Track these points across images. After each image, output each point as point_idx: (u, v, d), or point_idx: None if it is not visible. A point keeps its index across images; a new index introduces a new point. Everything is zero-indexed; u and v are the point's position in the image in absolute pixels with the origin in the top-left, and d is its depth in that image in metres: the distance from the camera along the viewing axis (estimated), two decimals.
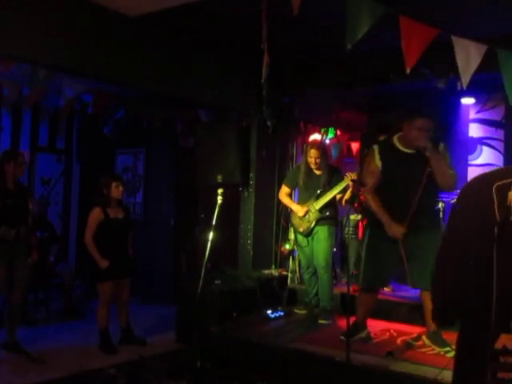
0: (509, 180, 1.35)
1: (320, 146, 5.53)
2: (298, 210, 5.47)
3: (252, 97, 6.01)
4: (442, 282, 1.49)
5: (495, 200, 1.33)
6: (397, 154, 4.21)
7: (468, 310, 1.39)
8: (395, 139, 4.26)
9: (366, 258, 4.38)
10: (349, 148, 8.13)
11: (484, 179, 1.48)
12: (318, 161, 5.36)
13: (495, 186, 1.35)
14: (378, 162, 4.22)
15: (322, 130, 7.45)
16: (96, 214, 5.13)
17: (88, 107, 7.16)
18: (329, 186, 5.38)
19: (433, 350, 4.23)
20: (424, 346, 4.34)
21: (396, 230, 4.10)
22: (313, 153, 5.36)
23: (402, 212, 4.09)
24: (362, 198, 5.97)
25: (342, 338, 4.36)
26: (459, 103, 6.73)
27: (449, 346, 4.04)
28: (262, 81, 3.91)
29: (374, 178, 4.26)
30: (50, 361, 4.75)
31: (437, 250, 1.57)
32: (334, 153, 7.88)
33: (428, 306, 4.25)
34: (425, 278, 3.97)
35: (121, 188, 5.25)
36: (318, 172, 5.47)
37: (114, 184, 5.18)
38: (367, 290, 4.49)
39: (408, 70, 3.74)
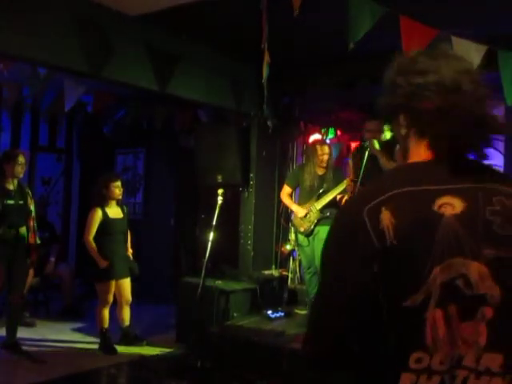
0: (379, 199, 1.11)
1: (325, 142, 5.65)
2: (298, 211, 5.47)
3: (252, 97, 6.01)
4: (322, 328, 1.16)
5: (368, 225, 1.09)
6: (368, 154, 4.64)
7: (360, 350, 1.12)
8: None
9: None
10: (349, 148, 8.12)
11: (354, 202, 1.25)
12: (326, 157, 5.39)
13: (366, 208, 1.10)
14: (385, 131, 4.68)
15: (323, 130, 7.44)
16: (95, 214, 5.13)
17: (88, 106, 7.16)
18: (331, 186, 5.39)
19: None
20: None
21: None
22: (322, 149, 5.40)
23: None
24: None
25: None
26: None
27: None
28: (263, 81, 3.91)
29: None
30: (50, 361, 4.76)
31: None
32: (334, 153, 7.86)
33: None
34: None
35: (120, 188, 5.26)
36: (320, 172, 5.47)
37: (113, 184, 5.18)
38: None
39: None
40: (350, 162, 5.37)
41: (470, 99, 1.14)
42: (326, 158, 5.40)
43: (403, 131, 1.22)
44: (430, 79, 1.15)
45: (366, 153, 4.60)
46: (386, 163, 4.48)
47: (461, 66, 1.18)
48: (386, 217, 1.08)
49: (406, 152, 1.23)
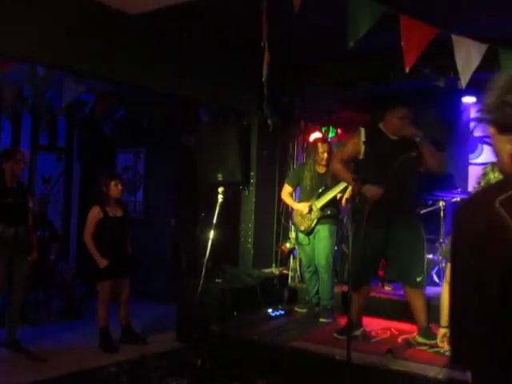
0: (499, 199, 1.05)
1: (327, 140, 5.64)
2: (301, 208, 5.47)
3: (252, 96, 6.01)
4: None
5: (506, 215, 1.00)
6: (382, 139, 4.35)
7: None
8: (381, 125, 4.37)
9: (353, 255, 4.36)
10: None
11: (480, 196, 1.20)
12: (326, 155, 5.39)
13: (499, 200, 1.03)
14: (361, 145, 4.35)
15: (323, 129, 7.44)
16: (95, 213, 5.13)
17: (88, 106, 7.16)
18: (331, 184, 5.39)
19: (433, 347, 4.22)
20: (421, 344, 4.34)
21: (374, 190, 4.23)
22: (322, 147, 5.41)
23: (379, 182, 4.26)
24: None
25: (335, 335, 4.54)
26: (460, 102, 6.72)
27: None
28: (263, 80, 3.91)
29: (349, 155, 4.47)
30: (51, 359, 4.76)
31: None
32: (334, 151, 7.86)
33: (414, 303, 4.39)
34: (408, 274, 4.26)
35: (120, 186, 5.26)
36: (321, 171, 5.48)
37: (112, 182, 5.19)
38: (354, 288, 4.46)
39: (407, 69, 3.75)
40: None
41: None
42: (326, 156, 5.41)
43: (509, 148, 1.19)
44: None
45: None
46: (429, 146, 4.17)
47: None
48: (503, 213, 0.99)
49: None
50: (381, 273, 5.99)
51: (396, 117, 4.23)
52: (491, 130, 1.21)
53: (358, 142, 4.34)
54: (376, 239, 4.27)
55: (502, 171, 1.20)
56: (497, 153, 1.21)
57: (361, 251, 4.20)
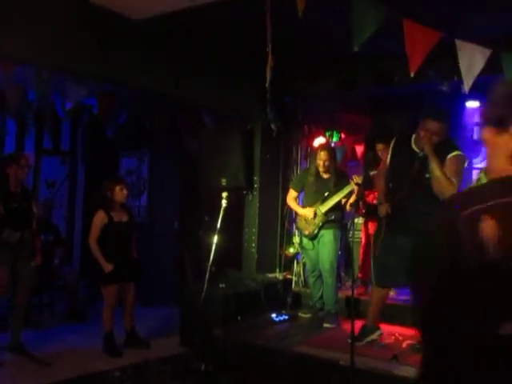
0: (479, 205, 0.97)
1: (329, 148, 5.61)
2: (306, 213, 5.45)
3: (256, 100, 6.01)
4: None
5: (463, 236, 0.95)
6: (408, 152, 4.21)
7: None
8: (413, 137, 4.24)
9: (382, 256, 4.35)
10: (353, 151, 8.11)
11: (451, 206, 1.11)
12: (326, 163, 5.37)
13: (462, 215, 0.97)
14: (388, 156, 4.28)
15: (327, 133, 7.44)
16: (100, 217, 5.14)
17: (92, 110, 7.18)
18: (335, 189, 5.38)
19: None
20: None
21: (383, 211, 4.23)
22: (322, 155, 5.38)
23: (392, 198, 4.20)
24: (367, 200, 5.97)
25: (354, 341, 4.39)
26: (464, 106, 6.71)
27: None
28: (266, 84, 3.91)
29: (383, 170, 4.37)
30: (55, 363, 4.76)
31: None
32: (338, 156, 7.85)
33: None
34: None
35: (125, 191, 5.26)
36: (325, 176, 5.47)
37: (117, 187, 5.19)
38: (381, 286, 4.47)
39: (412, 74, 3.75)
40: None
41: None
42: (323, 163, 5.38)
43: None
44: None
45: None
46: (436, 167, 3.89)
47: None
48: (489, 226, 0.93)
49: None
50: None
51: (422, 128, 4.01)
52: (489, 132, 1.18)
53: (387, 153, 4.31)
54: (393, 248, 4.22)
55: (493, 176, 1.15)
56: (494, 155, 1.17)
57: (392, 253, 4.19)
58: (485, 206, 0.96)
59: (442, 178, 3.88)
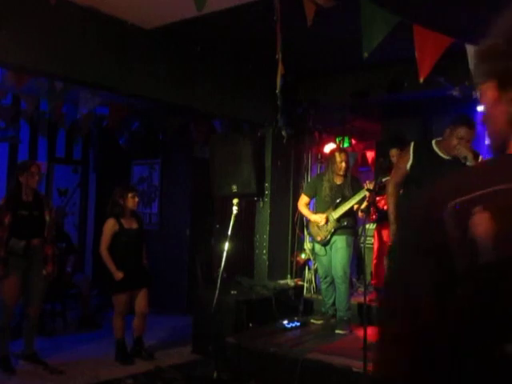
0: (469, 195, 0.77)
1: (345, 150, 5.64)
2: (317, 219, 5.44)
3: (266, 107, 6.03)
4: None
5: (450, 230, 0.75)
6: (432, 157, 4.14)
7: None
8: (434, 142, 4.20)
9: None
10: (364, 157, 8.10)
11: (432, 197, 0.85)
12: (344, 165, 5.37)
13: (448, 207, 0.77)
14: (408, 161, 4.21)
15: (338, 140, 7.44)
16: (110, 225, 5.16)
17: (104, 119, 7.25)
18: (349, 195, 5.38)
19: None
20: None
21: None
22: (339, 157, 5.39)
23: None
24: (379, 206, 5.95)
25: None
26: (475, 112, 6.68)
27: None
28: (277, 91, 3.92)
29: (399, 176, 4.28)
30: (68, 371, 4.78)
31: None
32: (350, 162, 7.84)
33: None
34: None
35: (136, 199, 5.29)
36: (338, 182, 5.46)
37: (130, 194, 5.22)
38: None
39: (422, 80, 3.74)
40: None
41: None
42: (344, 165, 5.39)
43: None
44: None
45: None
46: None
47: None
48: (481, 221, 0.74)
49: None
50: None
51: (455, 136, 3.96)
52: (490, 89, 0.88)
53: (406, 158, 4.24)
54: None
55: (494, 149, 0.90)
56: (492, 122, 0.90)
57: None
58: (477, 195, 0.76)
59: None
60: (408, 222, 0.87)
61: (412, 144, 4.23)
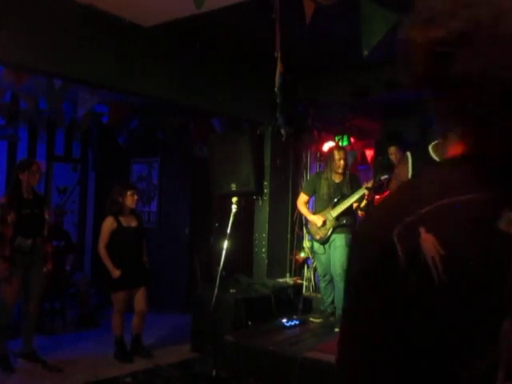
0: (414, 214, 0.70)
1: (343, 148, 5.65)
2: (315, 220, 5.46)
3: (265, 105, 6.03)
4: None
5: (400, 256, 0.68)
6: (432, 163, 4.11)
7: None
8: (431, 148, 4.17)
9: None
10: (363, 155, 8.10)
11: (376, 218, 0.78)
12: (342, 163, 5.37)
13: (395, 230, 0.69)
14: (409, 173, 4.16)
15: (337, 138, 7.44)
16: (109, 223, 5.16)
17: (103, 117, 7.24)
18: (348, 193, 5.38)
19: None
20: None
21: None
22: (338, 154, 5.39)
23: None
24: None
25: None
26: None
27: None
28: (276, 89, 3.92)
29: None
30: (67, 369, 4.79)
31: None
32: (349, 160, 7.84)
33: None
34: None
35: (135, 197, 5.29)
36: (337, 180, 5.46)
37: (129, 192, 5.21)
38: None
39: None
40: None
41: None
42: (343, 163, 5.39)
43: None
44: None
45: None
46: None
47: None
48: (428, 243, 0.68)
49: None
50: None
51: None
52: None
53: (405, 168, 4.20)
54: None
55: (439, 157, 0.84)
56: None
57: None
58: (422, 213, 0.69)
59: None
60: (356, 247, 0.78)
61: (409, 154, 4.20)
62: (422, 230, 0.68)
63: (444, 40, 0.69)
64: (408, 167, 4.23)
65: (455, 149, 0.76)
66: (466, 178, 0.73)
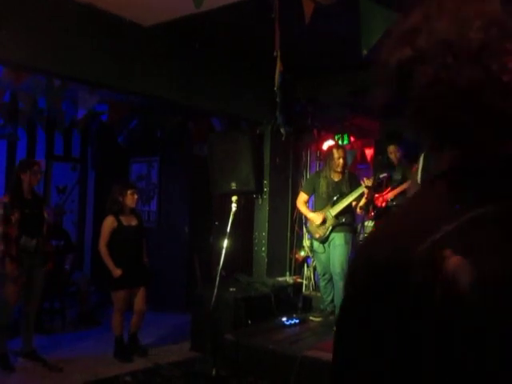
0: (437, 234, 0.59)
1: (342, 147, 5.65)
2: (315, 218, 5.46)
3: (265, 105, 6.03)
4: None
5: (423, 278, 0.59)
6: None
7: None
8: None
9: None
10: (363, 154, 8.10)
11: (388, 239, 0.67)
12: (342, 161, 5.37)
13: (418, 251, 0.59)
14: (418, 174, 4.16)
15: (336, 137, 7.44)
16: (109, 222, 5.16)
17: (102, 116, 7.23)
18: (347, 192, 5.39)
19: None
20: None
21: None
22: (337, 153, 5.39)
23: None
24: (377, 203, 5.96)
25: None
26: None
27: None
28: (275, 88, 3.92)
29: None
30: (66, 368, 4.79)
31: None
32: (348, 159, 7.85)
33: None
34: None
35: (135, 196, 5.29)
36: (336, 178, 5.47)
37: (129, 192, 5.22)
38: None
39: None
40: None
41: None
42: (342, 161, 5.40)
43: None
44: None
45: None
46: None
47: None
48: (454, 265, 0.57)
49: None
50: None
51: None
52: None
53: (416, 170, 4.21)
54: None
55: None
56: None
57: None
58: (446, 233, 0.59)
59: None
60: (361, 272, 0.67)
61: (421, 156, 4.18)
62: (447, 252, 0.58)
63: (411, 58, 0.69)
64: (418, 172, 4.22)
65: (447, 161, 0.70)
66: (475, 190, 0.65)
